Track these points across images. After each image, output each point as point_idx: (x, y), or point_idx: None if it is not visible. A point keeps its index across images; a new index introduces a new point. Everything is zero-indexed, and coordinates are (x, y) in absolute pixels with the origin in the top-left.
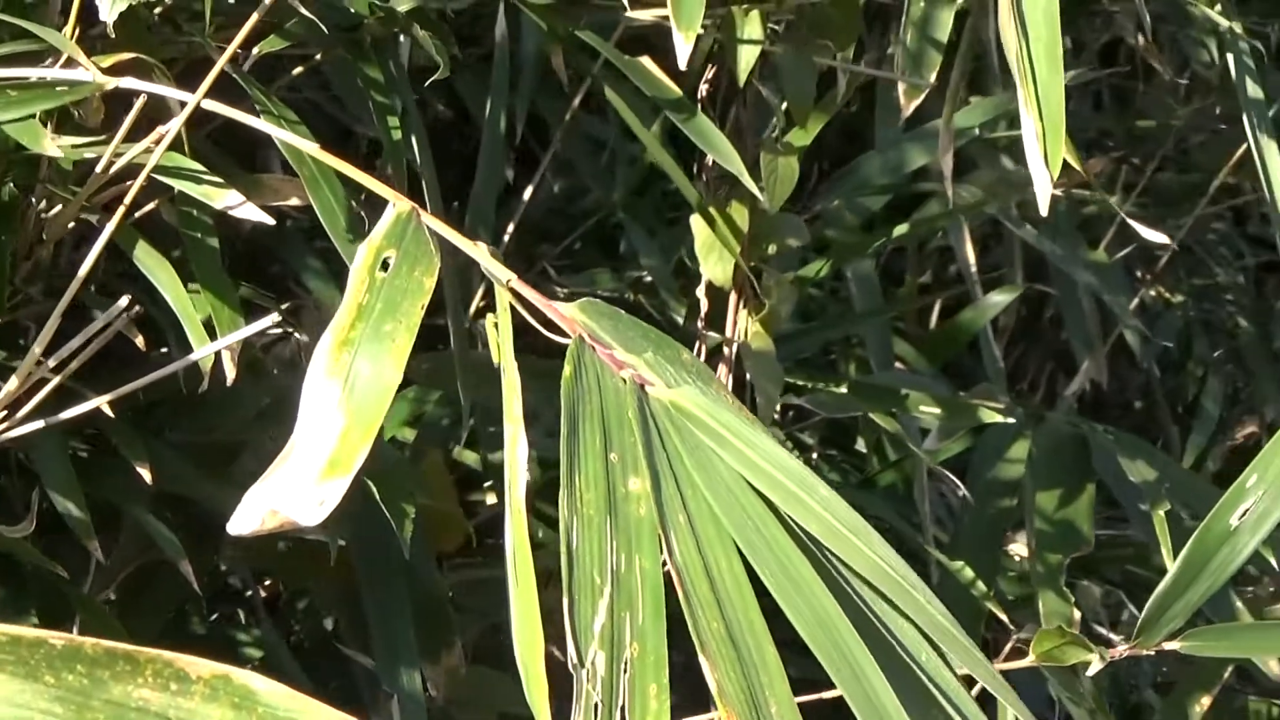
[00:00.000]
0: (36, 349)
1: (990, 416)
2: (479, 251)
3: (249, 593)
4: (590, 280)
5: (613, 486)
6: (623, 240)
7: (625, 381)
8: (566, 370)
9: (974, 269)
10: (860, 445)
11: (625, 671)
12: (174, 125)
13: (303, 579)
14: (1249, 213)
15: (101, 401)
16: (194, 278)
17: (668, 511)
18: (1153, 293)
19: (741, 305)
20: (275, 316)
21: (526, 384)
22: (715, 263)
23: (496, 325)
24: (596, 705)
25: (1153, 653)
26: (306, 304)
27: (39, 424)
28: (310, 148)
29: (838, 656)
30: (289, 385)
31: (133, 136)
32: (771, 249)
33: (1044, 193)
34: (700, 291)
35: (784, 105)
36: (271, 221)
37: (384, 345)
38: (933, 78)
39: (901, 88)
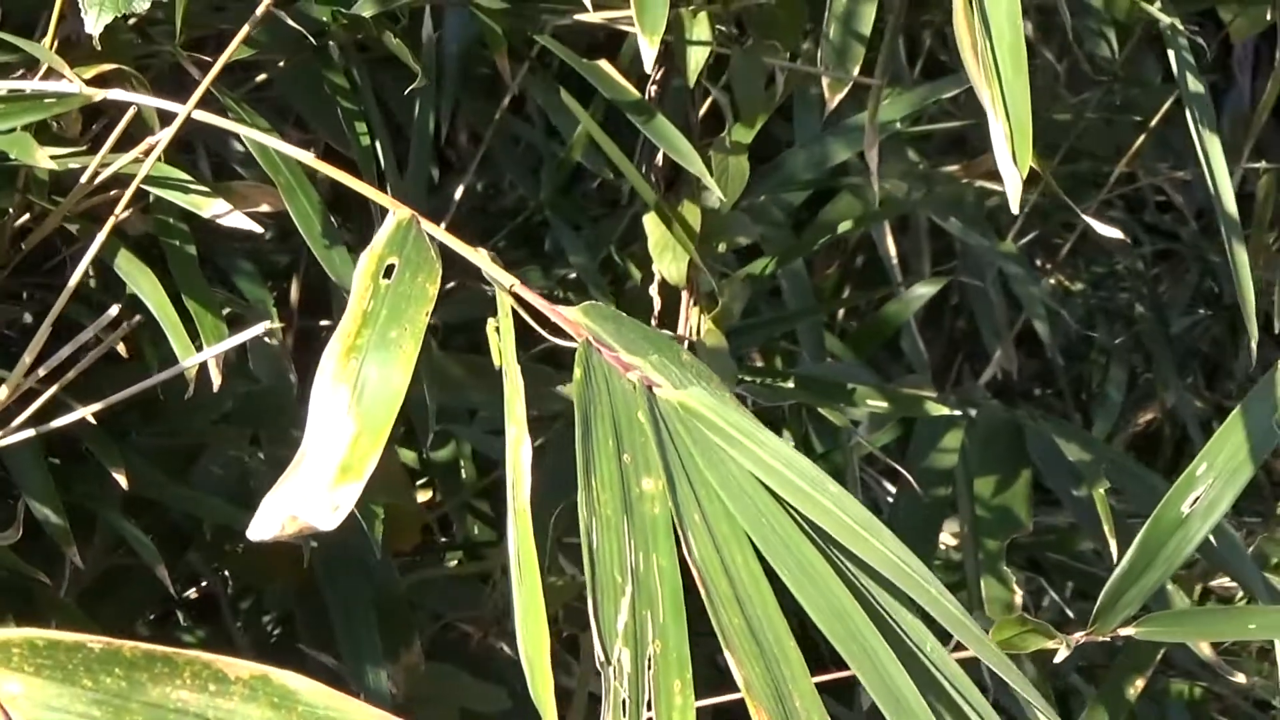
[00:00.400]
0: (27, 358)
1: (936, 409)
2: (480, 257)
3: (188, 594)
4: (522, 278)
5: (627, 487)
6: (548, 239)
7: (633, 384)
8: (577, 374)
9: (895, 262)
10: (787, 438)
11: (649, 668)
12: (166, 135)
13: (263, 580)
14: (1144, 200)
15: (88, 412)
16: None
17: (684, 510)
18: (1053, 281)
19: (693, 303)
20: (266, 324)
21: (473, 383)
22: (670, 261)
23: (497, 330)
24: (624, 702)
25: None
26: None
27: (29, 433)
28: (305, 156)
29: (856, 648)
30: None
31: (115, 147)
32: (721, 247)
33: (1014, 192)
34: (653, 290)
35: (730, 104)
36: (260, 230)
37: (391, 352)
38: (855, 71)
39: (826, 82)
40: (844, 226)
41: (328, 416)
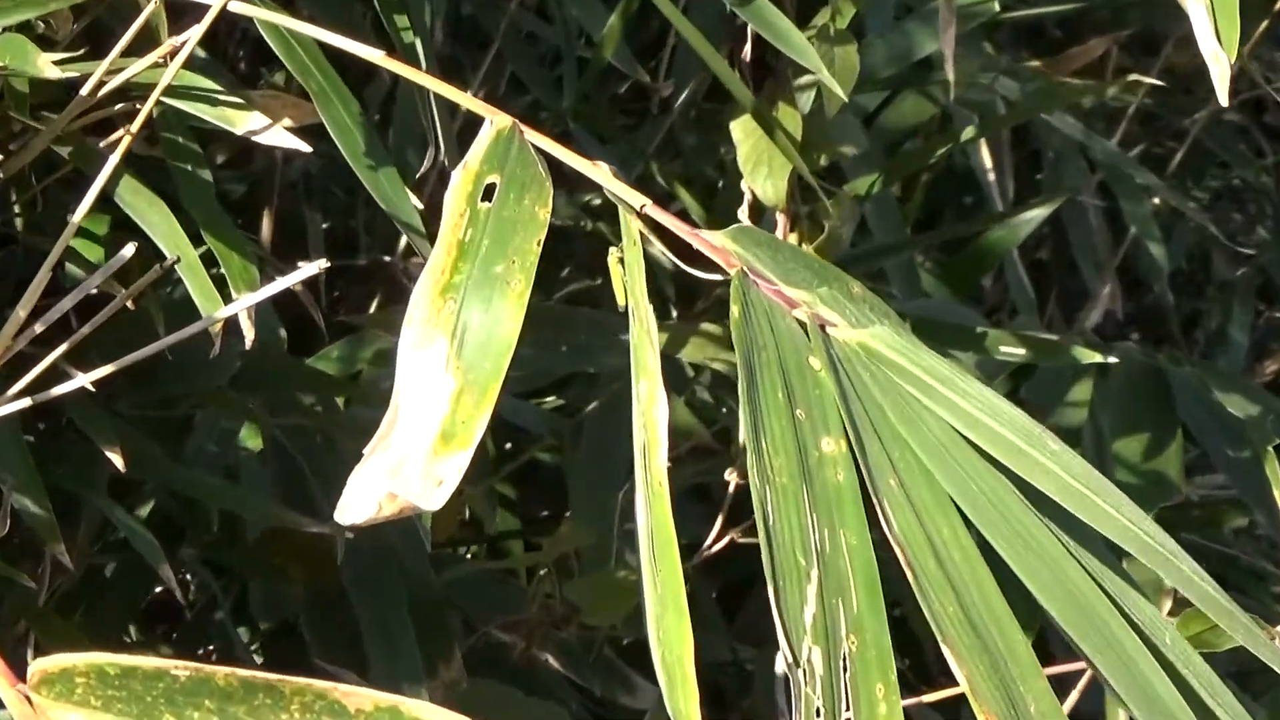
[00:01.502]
0: (21, 312)
1: (1084, 354)
2: (600, 173)
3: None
4: None
5: (804, 449)
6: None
7: (803, 323)
8: (734, 312)
9: (991, 176)
10: None
11: (845, 669)
12: (197, 31)
13: (278, 579)
14: (1266, 102)
15: (87, 379)
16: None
17: (876, 475)
18: (1157, 201)
19: (791, 229)
20: (321, 264)
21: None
22: (765, 178)
23: (622, 261)
24: (818, 710)
25: None
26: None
27: (25, 403)
28: (374, 54)
29: (1100, 640)
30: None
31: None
32: (822, 159)
33: (1222, 79)
34: (743, 213)
35: None
36: (307, 149)
37: (497, 290)
38: None
39: None
40: (967, 134)
41: (422, 372)
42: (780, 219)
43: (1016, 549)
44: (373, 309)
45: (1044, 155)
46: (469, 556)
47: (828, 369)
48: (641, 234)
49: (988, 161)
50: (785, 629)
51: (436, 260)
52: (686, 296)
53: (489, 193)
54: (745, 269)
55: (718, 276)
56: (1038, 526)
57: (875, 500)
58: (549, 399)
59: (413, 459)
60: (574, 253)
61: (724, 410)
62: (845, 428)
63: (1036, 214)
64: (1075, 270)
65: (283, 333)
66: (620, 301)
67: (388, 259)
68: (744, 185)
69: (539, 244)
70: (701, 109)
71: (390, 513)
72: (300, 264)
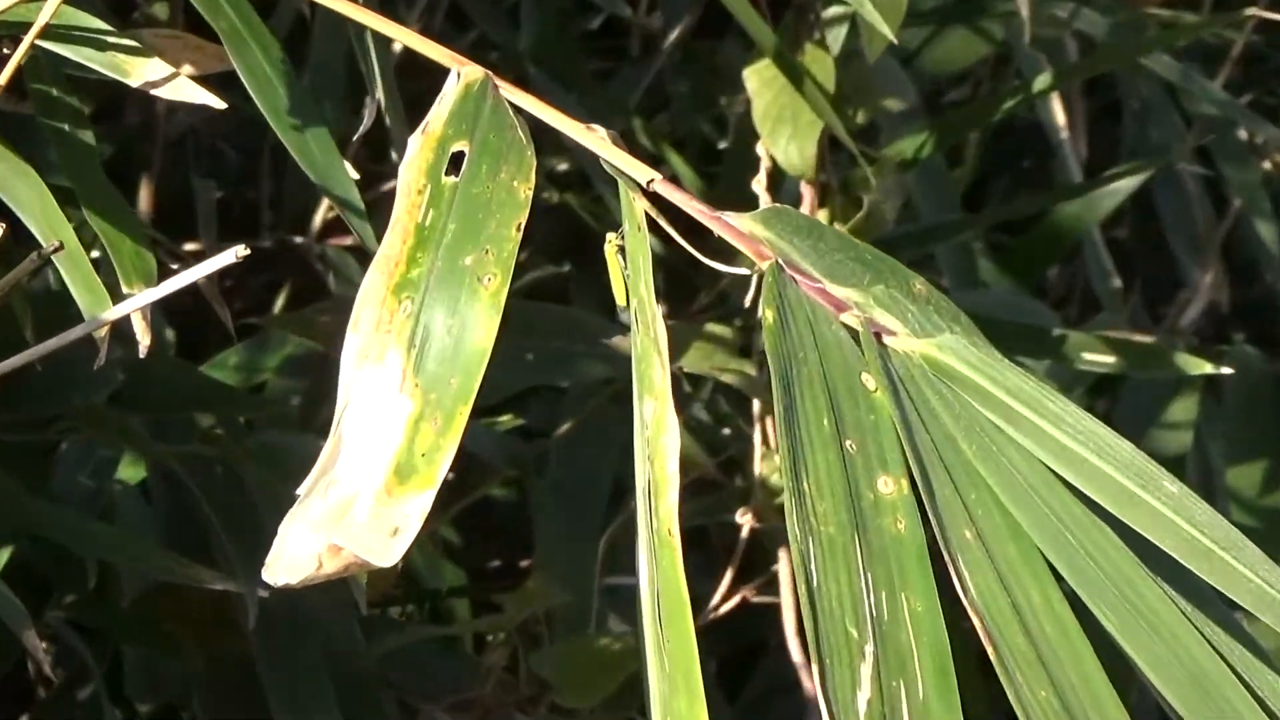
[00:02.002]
0: None
1: (1193, 364)
2: (597, 140)
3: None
4: None
5: (855, 490)
6: None
7: (854, 330)
8: (767, 316)
9: (1064, 135)
10: None
11: None
12: None
13: (159, 646)
14: None
15: None
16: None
17: (947, 524)
18: (1267, 165)
19: (819, 204)
20: (239, 250)
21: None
22: (788, 140)
23: (621, 251)
24: None
25: None
26: None
27: None
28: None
29: None
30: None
31: None
32: (860, 116)
33: None
34: (759, 184)
35: None
36: (220, 104)
37: (466, 287)
38: None
39: None
40: (1041, 84)
41: (370, 392)
42: (807, 192)
43: (1125, 619)
44: (279, 304)
45: (1125, 105)
46: (406, 620)
47: (885, 389)
48: (649, 217)
49: (1059, 116)
50: (833, 717)
51: (389, 250)
52: (683, 289)
53: (455, 164)
54: (780, 261)
55: (741, 270)
56: (1152, 590)
57: (946, 556)
58: (504, 418)
59: (360, 502)
60: (535, 232)
61: (727, 432)
62: (907, 464)
63: (1122, 186)
64: (1165, 253)
65: (170, 334)
66: (619, 299)
67: (298, 239)
68: (760, 148)
69: (519, 229)
70: (694, 48)
71: (333, 570)
72: (189, 246)
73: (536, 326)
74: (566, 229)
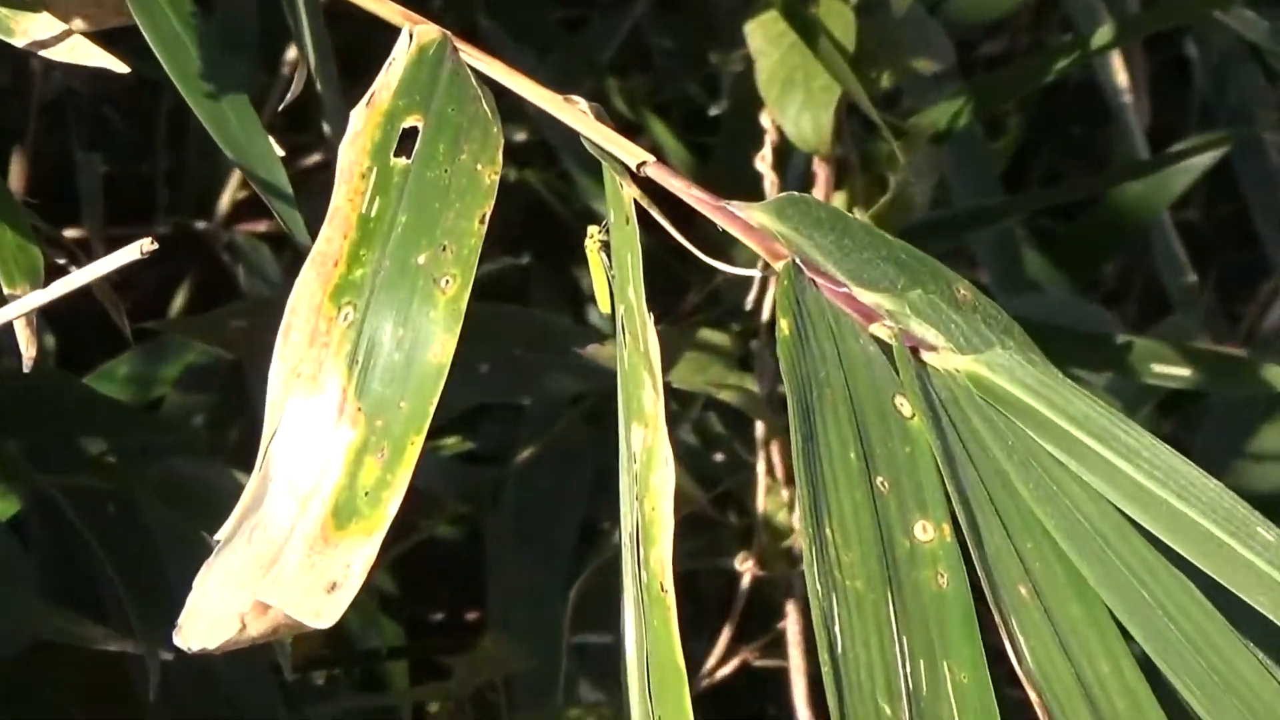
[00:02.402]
0: None
1: None
2: (579, 116)
3: None
4: None
5: (888, 537)
6: None
7: (886, 344)
8: (783, 327)
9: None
10: None
11: None
12: None
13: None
14: None
15: None
16: None
17: (997, 579)
18: None
19: (835, 185)
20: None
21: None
22: (799, 108)
23: (603, 246)
24: None
25: None
26: None
27: None
28: None
29: None
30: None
31: None
32: (885, 80)
33: None
34: (762, 161)
35: None
36: (122, 68)
37: (420, 291)
38: None
39: None
40: (1100, 39)
41: (304, 418)
42: (821, 171)
43: (1212, 693)
44: (177, 303)
45: (1196, 63)
46: (335, 686)
47: (923, 415)
48: (636, 203)
49: (1119, 75)
50: None
51: (326, 246)
52: (668, 286)
53: (406, 143)
54: (798, 260)
55: (748, 271)
56: (1243, 658)
57: (997, 617)
58: (450, 440)
59: (291, 551)
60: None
61: (721, 458)
62: (950, 506)
63: (1197, 162)
64: (1244, 237)
65: (50, 340)
66: (602, 304)
67: (201, 224)
68: (764, 118)
69: (484, 221)
70: None
71: (259, 633)
72: (70, 232)
73: (491, 330)
74: (526, 212)
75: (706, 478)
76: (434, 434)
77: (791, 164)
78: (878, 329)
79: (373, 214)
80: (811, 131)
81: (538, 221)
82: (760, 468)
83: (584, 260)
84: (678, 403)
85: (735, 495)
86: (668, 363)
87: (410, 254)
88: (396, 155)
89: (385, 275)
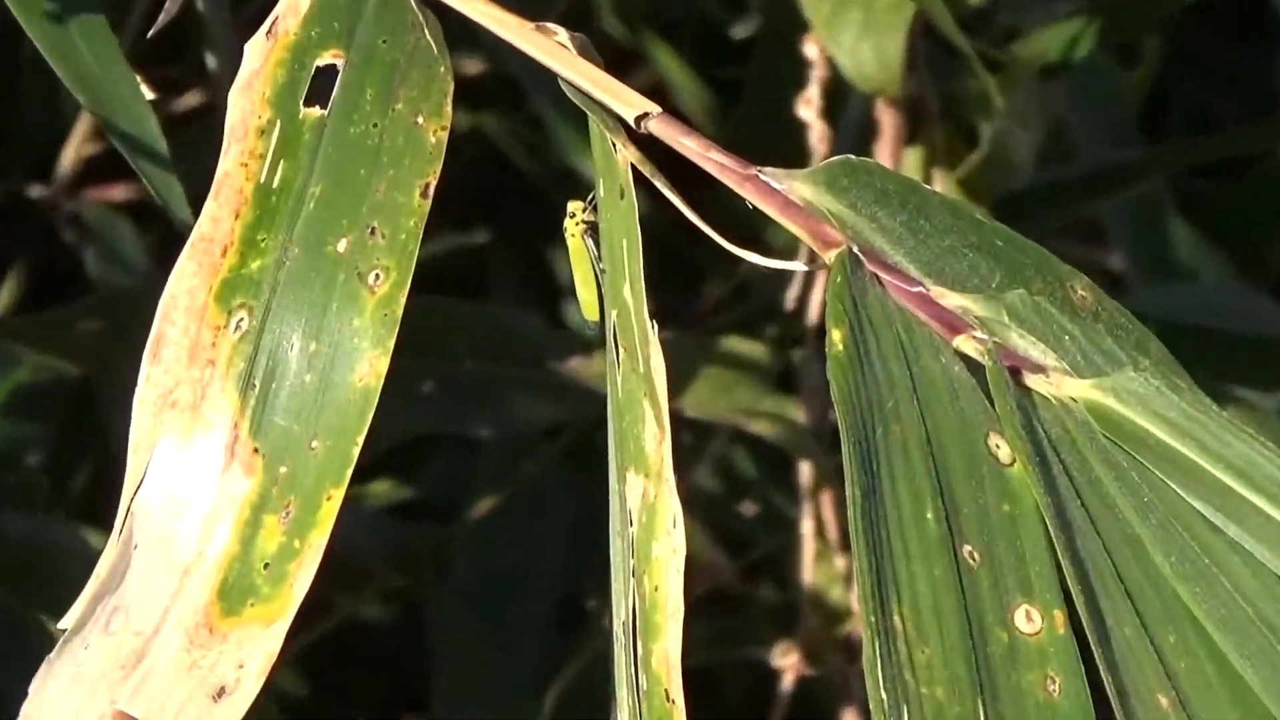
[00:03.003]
0: None
1: None
2: (556, 50)
3: None
4: None
5: (978, 626)
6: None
7: (977, 363)
8: (835, 340)
9: None
10: None
11: None
12: None
13: None
14: None
15: None
16: None
17: (1131, 684)
18: None
19: (907, 139)
20: None
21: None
22: (858, 33)
23: (588, 229)
24: None
25: None
26: None
27: None
28: None
29: None
30: None
31: None
32: None
33: None
34: (807, 106)
35: None
36: None
37: (340, 288)
38: None
39: None
40: None
41: (177, 461)
42: (887, 119)
43: None
44: (2, 297)
45: None
46: None
47: (1028, 461)
48: (635, 170)
49: None
50: None
51: (210, 228)
52: (680, 276)
53: (322, 87)
54: (855, 248)
55: (787, 264)
56: None
57: None
58: (379, 486)
59: (164, 644)
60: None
61: (752, 511)
62: (1064, 584)
63: None
64: None
65: None
66: (586, 309)
67: (35, 191)
68: (809, 46)
69: (427, 194)
70: None
71: None
72: None
73: (436, 337)
74: (482, 172)
75: (733, 538)
76: (359, 477)
77: (847, 110)
78: (964, 343)
79: (275, 184)
80: (874, 65)
81: (499, 185)
82: (805, 526)
83: (562, 240)
84: (694, 436)
85: (773, 563)
86: (680, 383)
87: (327, 239)
88: (307, 104)
89: (292, 268)
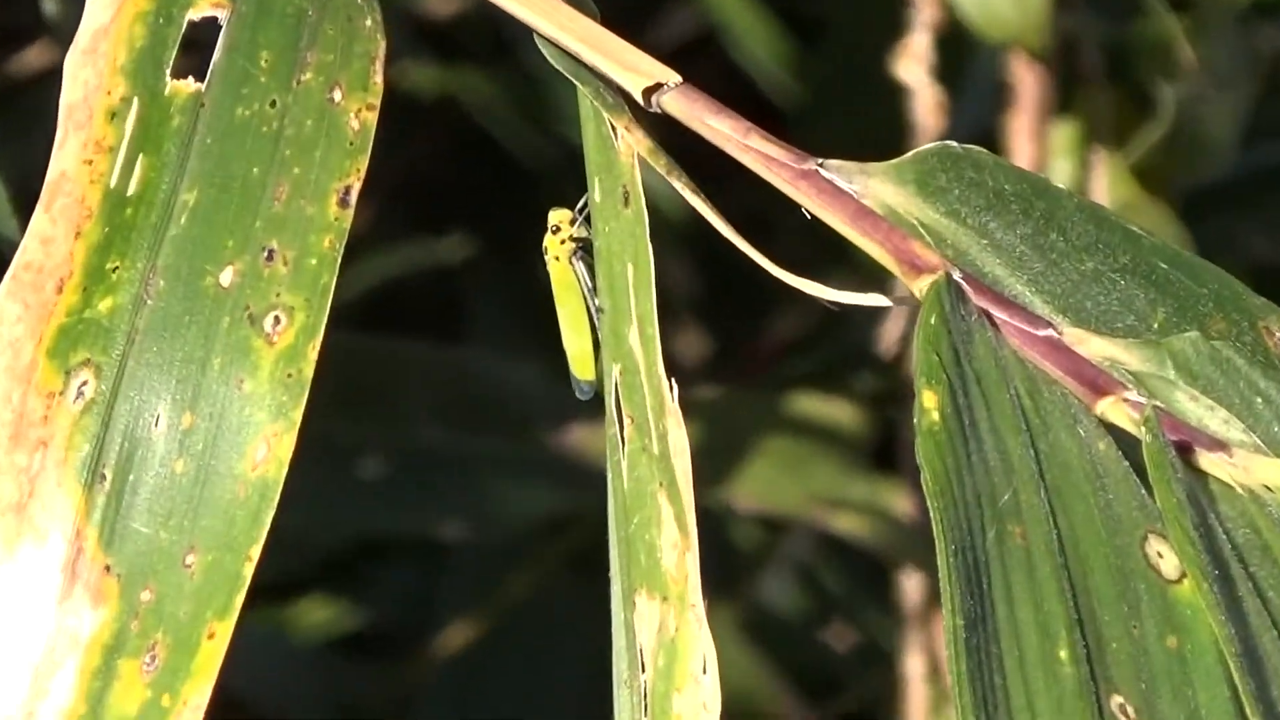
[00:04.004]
0: None
1: None
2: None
3: None
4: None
5: None
6: None
7: (1129, 435)
8: (928, 403)
9: None
10: None
11: None
12: None
13: None
14: None
15: None
16: None
17: None
18: None
19: (1053, 109)
20: None
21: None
22: None
23: (575, 247)
24: None
25: None
26: None
27: None
28: None
29: None
30: None
31: None
32: None
33: None
34: (911, 63)
35: None
36: None
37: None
38: None
39: None
40: None
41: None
42: (1026, 80)
43: None
44: None
45: None
46: None
47: (1202, 576)
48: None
49: None
50: None
51: (43, 252)
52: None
53: (196, 50)
54: (955, 273)
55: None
56: None
57: None
58: (310, 613)
59: None
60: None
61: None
62: None
63: None
64: None
65: None
66: (578, 367)
67: None
68: None
69: (348, 203)
70: None
71: None
72: None
73: (385, 394)
74: (455, 155)
75: (812, 678)
76: (284, 596)
77: (970, 67)
78: (1112, 408)
79: (131, 189)
80: (1013, 10)
81: (479, 173)
82: (912, 663)
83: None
84: (756, 535)
85: (868, 713)
86: (735, 460)
87: (205, 267)
88: (177, 75)
89: (157, 309)
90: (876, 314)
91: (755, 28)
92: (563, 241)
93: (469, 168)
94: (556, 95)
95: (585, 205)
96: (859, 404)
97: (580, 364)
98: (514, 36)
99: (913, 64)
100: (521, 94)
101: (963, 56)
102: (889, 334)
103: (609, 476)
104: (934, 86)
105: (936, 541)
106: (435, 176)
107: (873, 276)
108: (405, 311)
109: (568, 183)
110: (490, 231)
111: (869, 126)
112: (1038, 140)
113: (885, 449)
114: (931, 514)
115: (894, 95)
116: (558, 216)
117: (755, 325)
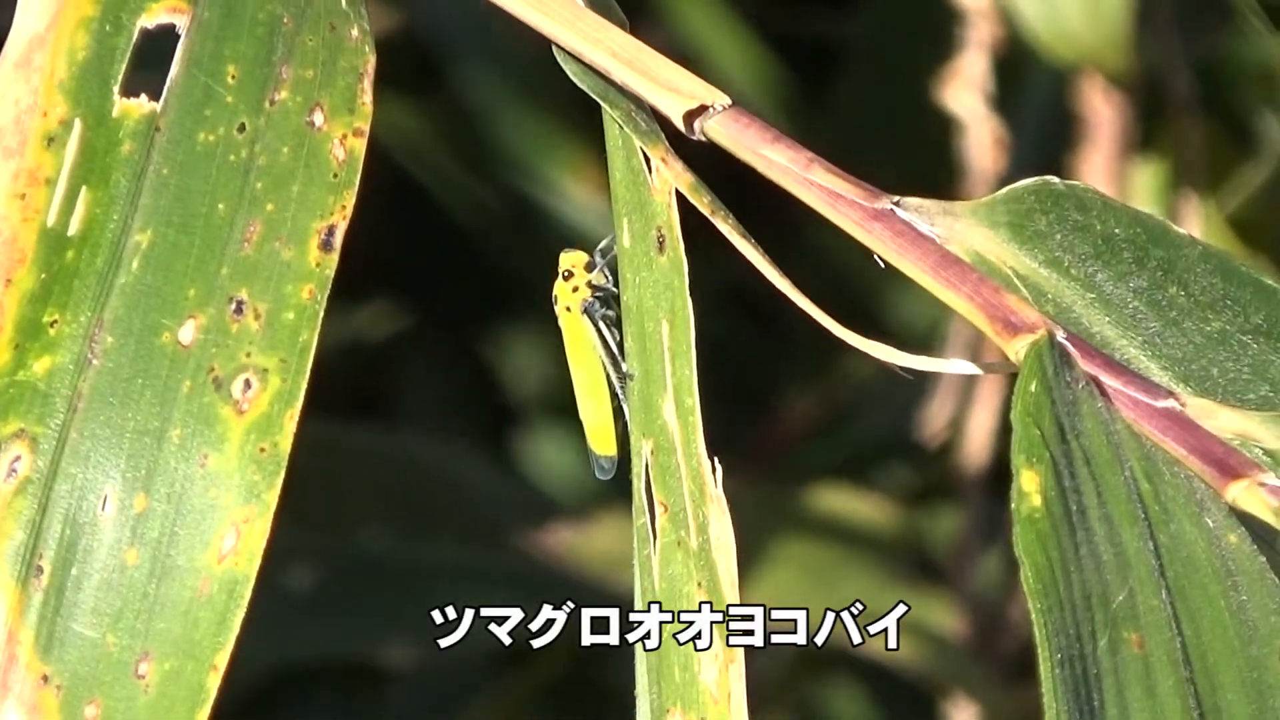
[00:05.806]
0: None
1: None
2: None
3: None
4: None
5: None
6: None
7: (1272, 524)
8: (1027, 486)
9: None
10: None
11: None
12: None
13: None
14: None
15: None
16: None
17: None
18: None
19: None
20: None
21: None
22: None
23: (593, 298)
24: None
25: None
26: None
27: None
28: None
29: None
30: None
31: None
32: None
33: None
34: (965, 90)
35: None
36: None
37: (182, 406)
38: None
39: None
40: None
41: None
42: (1103, 109)
43: None
44: None
45: None
46: None
47: None
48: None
49: None
50: None
51: None
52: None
53: (150, 64)
54: (1059, 333)
55: (941, 364)
56: None
57: None
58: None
59: None
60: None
61: None
62: None
63: None
64: None
65: None
66: (597, 441)
67: None
68: None
69: (331, 246)
70: None
71: None
72: None
73: (319, 489)
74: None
75: None
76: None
77: (1030, 95)
78: (1245, 492)
79: (74, 229)
80: (1082, 15)
81: (416, 231)
82: None
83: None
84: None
85: None
86: (745, 568)
87: (162, 322)
88: (128, 93)
89: (104, 371)
90: (910, 393)
91: (736, 52)
92: (575, 289)
93: (393, 223)
94: (499, 134)
95: (606, 248)
96: (892, 502)
97: (598, 436)
98: (444, 60)
99: (964, 90)
100: (454, 131)
101: (1021, 80)
102: (930, 417)
103: (635, 574)
104: (991, 118)
105: (1038, 649)
106: (353, 233)
107: (915, 340)
108: (335, 390)
109: (510, 242)
110: (429, 299)
111: (903, 166)
112: (1115, 183)
113: (929, 559)
114: (1032, 616)
115: (933, 128)
116: (570, 260)
117: (765, 406)
